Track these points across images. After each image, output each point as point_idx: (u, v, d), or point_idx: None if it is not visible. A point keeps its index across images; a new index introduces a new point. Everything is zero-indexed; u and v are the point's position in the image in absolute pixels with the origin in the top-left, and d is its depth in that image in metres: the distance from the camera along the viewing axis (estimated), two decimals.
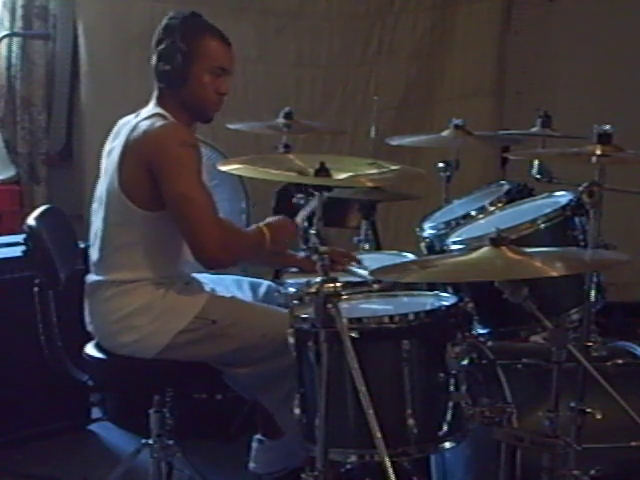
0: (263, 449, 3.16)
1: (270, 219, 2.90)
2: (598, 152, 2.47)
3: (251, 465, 3.18)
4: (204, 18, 2.91)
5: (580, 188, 2.48)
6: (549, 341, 2.27)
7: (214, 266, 2.84)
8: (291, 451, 2.90)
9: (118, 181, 2.79)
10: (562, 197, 2.84)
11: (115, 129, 2.97)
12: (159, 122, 2.79)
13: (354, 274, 2.86)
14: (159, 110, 2.84)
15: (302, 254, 3.04)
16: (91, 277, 2.91)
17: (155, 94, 2.90)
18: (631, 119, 4.38)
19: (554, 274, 2.23)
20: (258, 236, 2.84)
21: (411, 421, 2.33)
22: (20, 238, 3.01)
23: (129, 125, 2.84)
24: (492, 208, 3.03)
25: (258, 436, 3.17)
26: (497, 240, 2.25)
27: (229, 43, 2.90)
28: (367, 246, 3.67)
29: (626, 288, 4.69)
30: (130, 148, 2.79)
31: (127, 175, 2.79)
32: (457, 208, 3.22)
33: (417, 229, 3.13)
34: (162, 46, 2.83)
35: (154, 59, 2.86)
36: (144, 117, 2.83)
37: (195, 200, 2.72)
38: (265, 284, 3.15)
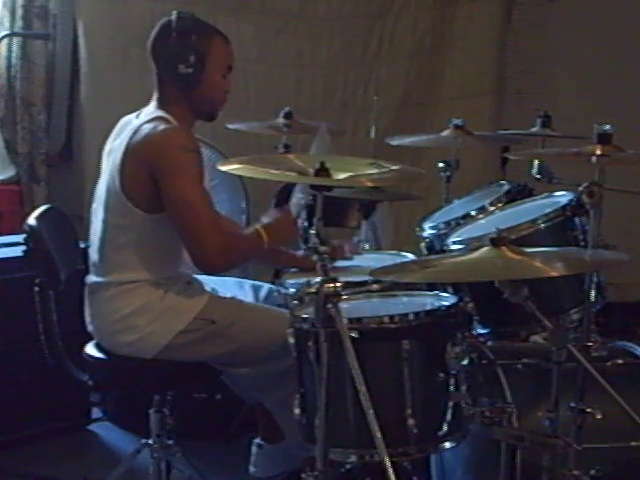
0: (263, 453, 3.16)
1: (267, 218, 2.88)
2: (598, 152, 2.47)
3: (251, 469, 3.19)
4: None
5: (580, 188, 2.48)
6: (549, 341, 2.27)
7: (211, 271, 2.84)
8: (290, 454, 2.90)
9: (119, 183, 2.79)
10: (562, 197, 2.84)
11: (116, 129, 2.96)
12: (161, 126, 2.78)
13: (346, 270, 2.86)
14: (161, 113, 2.83)
15: (301, 253, 3.05)
16: (91, 278, 2.91)
17: (156, 95, 2.89)
18: (631, 119, 4.38)
19: (554, 274, 2.23)
20: (256, 239, 2.83)
21: (411, 421, 2.33)
22: (20, 238, 3.01)
23: (131, 127, 2.83)
24: (492, 208, 3.03)
25: (258, 440, 3.18)
26: (497, 240, 2.25)
27: (229, 41, 2.92)
28: (367, 246, 3.67)
29: (626, 288, 4.70)
30: (132, 151, 2.78)
31: (129, 177, 2.78)
32: (457, 208, 3.21)
33: (417, 229, 3.13)
34: (176, 49, 2.80)
35: (165, 62, 2.83)
36: (146, 120, 2.82)
37: (194, 206, 2.72)
38: (266, 287, 3.15)
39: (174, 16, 2.83)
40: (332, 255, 2.27)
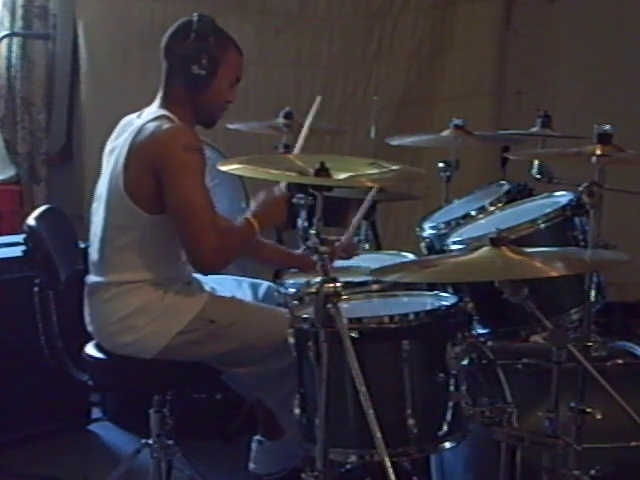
0: (263, 450, 3.16)
1: (255, 205, 2.85)
2: (598, 152, 2.47)
3: (251, 466, 3.18)
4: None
5: (580, 188, 2.48)
6: (549, 341, 2.27)
7: (208, 271, 2.84)
8: (290, 451, 2.90)
9: (123, 183, 2.79)
10: (562, 197, 2.84)
11: (117, 128, 2.96)
12: (165, 125, 2.78)
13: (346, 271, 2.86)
14: (164, 112, 2.83)
15: (299, 252, 3.05)
16: (91, 278, 2.91)
17: (161, 94, 2.89)
18: (631, 119, 4.38)
19: (554, 274, 2.23)
20: (247, 229, 2.82)
21: (411, 421, 2.33)
22: (20, 238, 3.01)
23: (134, 127, 2.83)
24: (492, 208, 3.03)
25: (258, 437, 3.17)
26: (497, 240, 2.25)
27: (242, 54, 2.93)
28: (367, 246, 3.68)
29: (626, 288, 4.70)
30: (136, 150, 2.78)
31: (132, 177, 2.78)
32: (457, 208, 3.22)
33: (417, 229, 3.13)
34: (192, 49, 2.80)
35: (179, 60, 2.82)
36: (149, 119, 2.81)
37: (195, 205, 2.72)
38: (265, 284, 3.15)
39: (195, 17, 2.83)
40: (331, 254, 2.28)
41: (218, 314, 2.85)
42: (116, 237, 2.85)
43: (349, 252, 3.05)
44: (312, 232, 2.27)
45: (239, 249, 2.88)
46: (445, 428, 2.38)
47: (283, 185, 2.85)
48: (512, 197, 3.06)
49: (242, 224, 2.85)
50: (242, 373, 2.90)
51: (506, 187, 3.15)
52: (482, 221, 2.99)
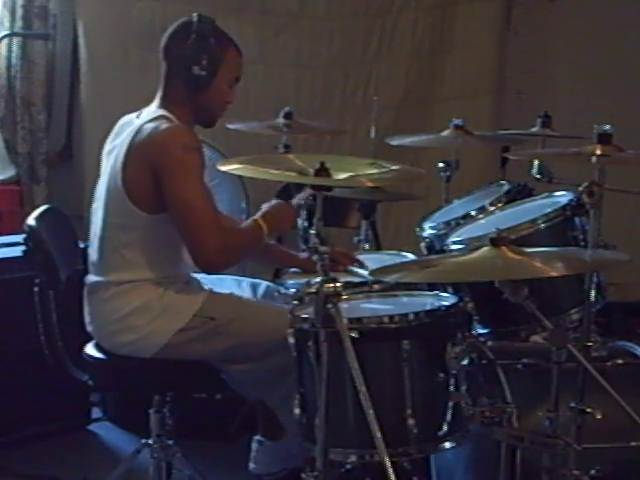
0: (263, 450, 3.16)
1: (266, 207, 2.88)
2: (598, 152, 2.47)
3: (251, 466, 3.19)
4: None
5: (580, 188, 2.48)
6: (549, 341, 2.27)
7: (212, 270, 2.85)
8: (291, 451, 2.91)
9: (121, 182, 2.79)
10: (562, 197, 2.84)
11: (115, 128, 2.97)
12: (164, 125, 2.79)
13: (355, 274, 2.86)
14: (163, 112, 2.83)
15: (304, 254, 3.05)
16: (90, 277, 2.91)
17: (160, 94, 2.89)
18: (631, 119, 4.38)
19: (554, 274, 2.23)
20: (256, 231, 2.83)
21: (411, 421, 2.33)
22: (20, 238, 3.01)
23: (132, 127, 2.83)
24: (492, 208, 3.03)
25: (258, 437, 3.18)
26: (497, 240, 2.25)
27: (242, 54, 2.93)
28: (367, 246, 3.68)
29: (626, 288, 4.70)
30: (134, 150, 2.78)
31: (131, 177, 2.79)
32: (457, 208, 3.22)
33: (417, 229, 3.13)
34: (192, 50, 2.80)
35: (179, 61, 2.83)
36: (148, 119, 2.82)
37: (196, 205, 2.72)
38: (264, 284, 3.15)
39: (195, 18, 2.83)
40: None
41: (218, 311, 2.85)
42: (115, 237, 2.85)
43: (350, 258, 3.02)
44: (312, 232, 2.27)
45: (245, 248, 2.89)
46: (445, 428, 2.37)
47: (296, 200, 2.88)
48: (512, 197, 3.06)
49: (250, 225, 2.86)
50: (242, 371, 2.90)
51: (506, 187, 3.15)
52: (482, 221, 2.99)
